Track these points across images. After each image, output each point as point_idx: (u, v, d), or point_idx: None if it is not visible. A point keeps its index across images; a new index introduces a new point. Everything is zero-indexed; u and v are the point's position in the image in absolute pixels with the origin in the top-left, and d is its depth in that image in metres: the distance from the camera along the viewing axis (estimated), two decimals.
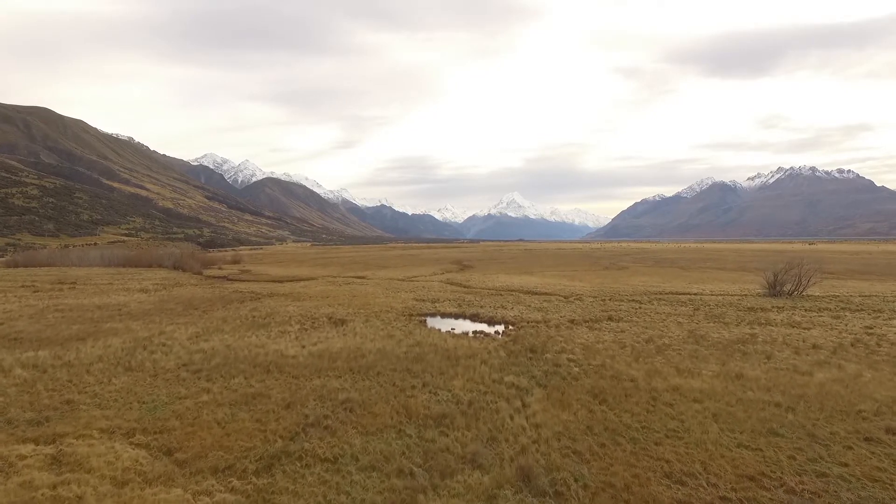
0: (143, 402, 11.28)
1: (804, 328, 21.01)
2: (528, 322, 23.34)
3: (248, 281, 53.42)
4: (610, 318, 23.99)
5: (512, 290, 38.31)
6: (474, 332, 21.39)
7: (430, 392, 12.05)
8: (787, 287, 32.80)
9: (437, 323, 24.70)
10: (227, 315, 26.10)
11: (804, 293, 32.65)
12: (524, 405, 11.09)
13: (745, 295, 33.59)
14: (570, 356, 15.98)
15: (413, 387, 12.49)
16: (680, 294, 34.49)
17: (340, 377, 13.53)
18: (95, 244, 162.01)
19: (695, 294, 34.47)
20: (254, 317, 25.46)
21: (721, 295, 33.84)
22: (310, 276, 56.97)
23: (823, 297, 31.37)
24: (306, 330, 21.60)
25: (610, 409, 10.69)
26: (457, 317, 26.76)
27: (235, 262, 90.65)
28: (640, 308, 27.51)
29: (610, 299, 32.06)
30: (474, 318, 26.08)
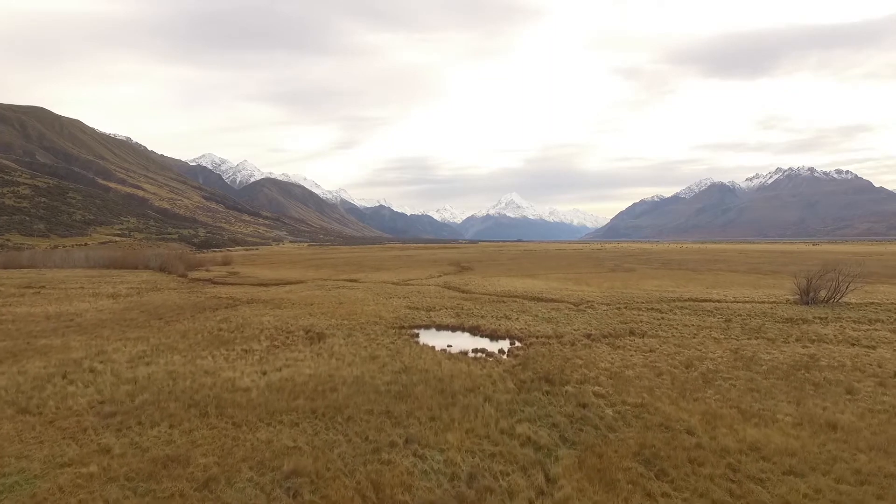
0: None
1: (867, 346, 17.68)
2: (537, 337, 19.97)
3: (232, 284, 50.01)
4: (632, 333, 20.62)
5: (515, 296, 34.93)
6: (474, 352, 18.01)
7: (414, 455, 8.66)
8: (823, 294, 29.47)
9: (431, 337, 21.31)
10: (191, 327, 22.69)
11: (841, 301, 29.32)
12: (549, 480, 7.72)
13: (776, 302, 30.22)
14: (597, 388, 12.61)
15: (392, 444, 9.11)
16: (702, 301, 31.12)
17: (297, 425, 10.15)
18: (86, 245, 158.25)
19: (718, 301, 31.10)
20: (220, 329, 22.06)
21: (748, 302, 30.48)
22: (299, 279, 53.52)
23: (864, 305, 28.03)
24: (276, 348, 18.21)
25: (677, 492, 7.31)
26: (454, 329, 23.38)
27: (225, 263, 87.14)
28: (662, 319, 24.16)
29: (625, 307, 28.70)
30: (474, 331, 22.69)
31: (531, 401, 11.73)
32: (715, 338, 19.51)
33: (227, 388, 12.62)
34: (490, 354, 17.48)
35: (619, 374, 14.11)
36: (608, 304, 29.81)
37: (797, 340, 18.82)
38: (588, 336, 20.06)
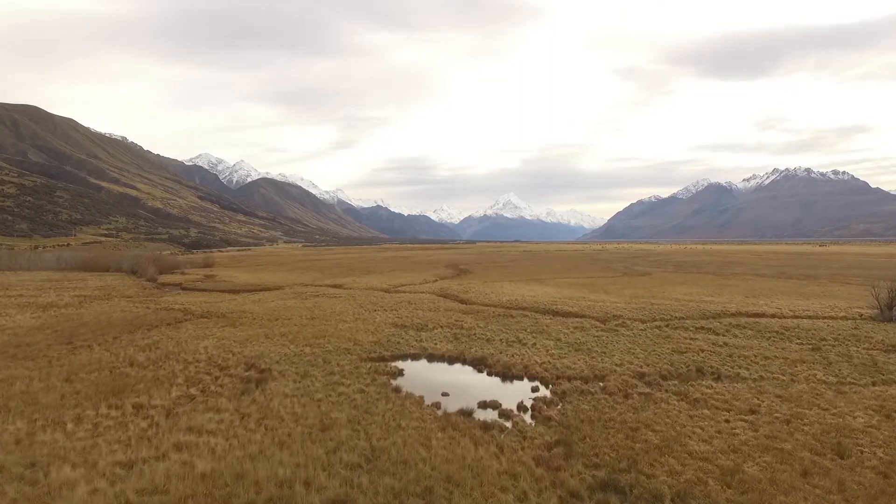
0: None
1: None
2: (569, 379, 14.04)
3: (200, 290, 43.97)
4: (702, 372, 14.72)
5: (524, 308, 28.98)
6: (482, 407, 12.05)
7: None
8: None
9: (419, 377, 15.33)
10: (94, 359, 16.66)
11: None
12: None
13: (846, 318, 24.40)
14: None
15: None
16: (755, 316, 25.27)
17: None
18: (68, 245, 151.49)
19: (774, 316, 25.24)
20: (131, 364, 16.07)
21: (814, 318, 24.65)
22: (278, 284, 47.47)
23: None
24: (189, 401, 12.25)
25: None
26: (452, 361, 17.43)
27: (206, 265, 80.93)
28: (726, 346, 18.27)
29: (666, 325, 22.86)
30: (479, 364, 16.71)
31: None
32: (825, 381, 13.65)
33: None
34: (506, 415, 11.54)
35: (736, 471, 8.18)
36: (643, 321, 23.95)
37: None
38: (641, 377, 14.16)
